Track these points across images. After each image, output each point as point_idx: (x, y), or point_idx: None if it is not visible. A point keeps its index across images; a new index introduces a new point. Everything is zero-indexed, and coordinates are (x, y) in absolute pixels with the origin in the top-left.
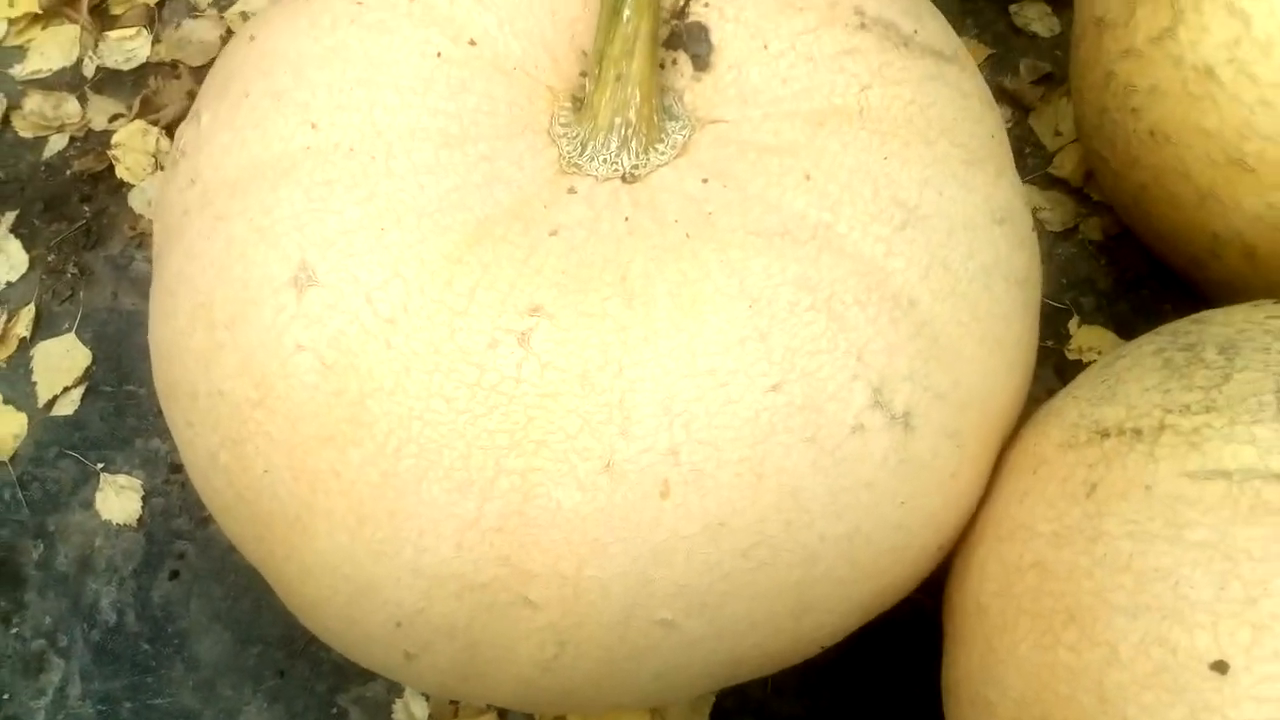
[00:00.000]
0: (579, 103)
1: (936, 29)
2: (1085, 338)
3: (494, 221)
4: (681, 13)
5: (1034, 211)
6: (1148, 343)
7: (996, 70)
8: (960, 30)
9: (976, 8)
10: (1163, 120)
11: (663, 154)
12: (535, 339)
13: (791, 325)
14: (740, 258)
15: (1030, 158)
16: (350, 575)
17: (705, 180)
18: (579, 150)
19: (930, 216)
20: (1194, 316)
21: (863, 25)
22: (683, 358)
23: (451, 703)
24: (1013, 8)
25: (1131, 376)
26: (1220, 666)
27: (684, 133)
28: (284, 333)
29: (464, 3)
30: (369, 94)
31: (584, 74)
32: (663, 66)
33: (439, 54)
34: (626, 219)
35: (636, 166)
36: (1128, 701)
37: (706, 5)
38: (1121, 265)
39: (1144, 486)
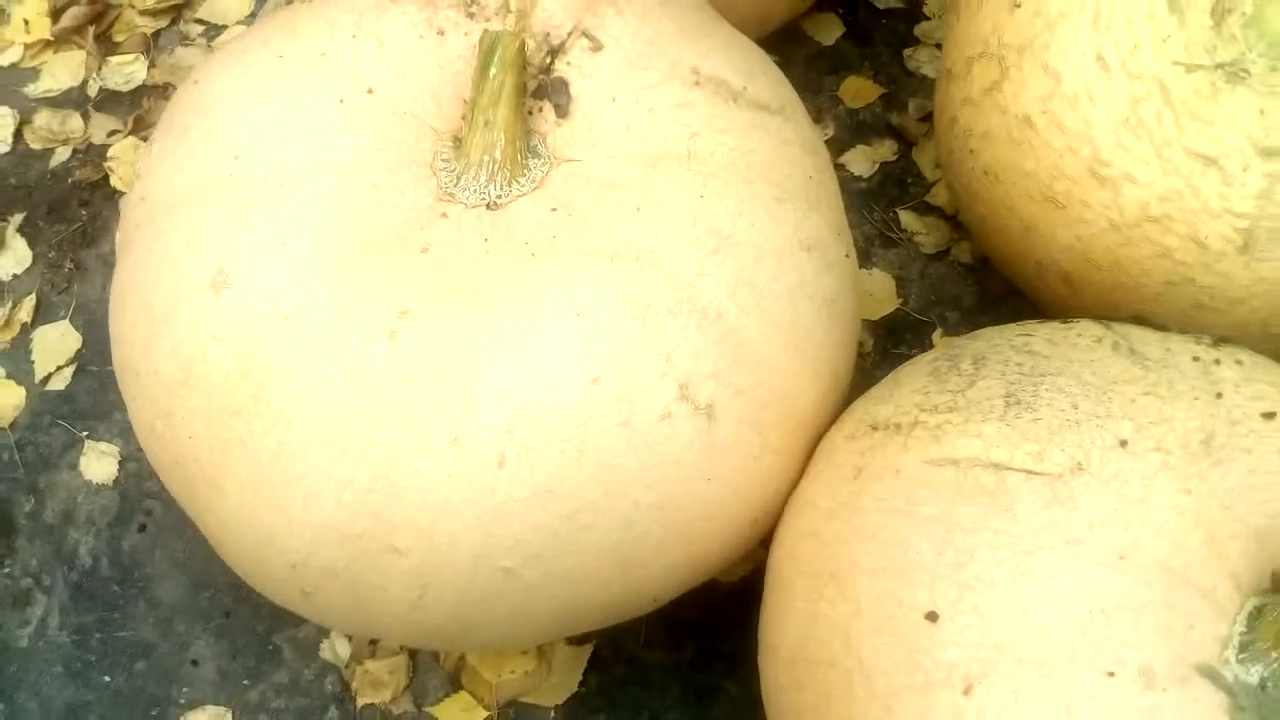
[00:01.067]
0: (459, 142)
1: (766, 85)
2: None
3: (377, 239)
4: (548, 69)
5: (910, 235)
6: (930, 355)
7: (888, 107)
8: (857, 71)
9: (874, 51)
10: (993, 161)
11: (524, 186)
12: (402, 336)
13: (612, 331)
14: (575, 275)
15: (912, 186)
16: (254, 525)
17: (554, 209)
18: (454, 181)
19: (741, 244)
20: (971, 334)
21: (697, 83)
22: (520, 355)
23: (371, 643)
24: (906, 51)
25: (907, 381)
26: (932, 616)
27: (544, 169)
28: (204, 325)
29: (365, 57)
30: (283, 132)
31: (464, 118)
32: (531, 113)
33: (341, 100)
34: (486, 240)
35: (500, 196)
36: (863, 644)
37: (569, 64)
38: (985, 285)
39: (895, 470)
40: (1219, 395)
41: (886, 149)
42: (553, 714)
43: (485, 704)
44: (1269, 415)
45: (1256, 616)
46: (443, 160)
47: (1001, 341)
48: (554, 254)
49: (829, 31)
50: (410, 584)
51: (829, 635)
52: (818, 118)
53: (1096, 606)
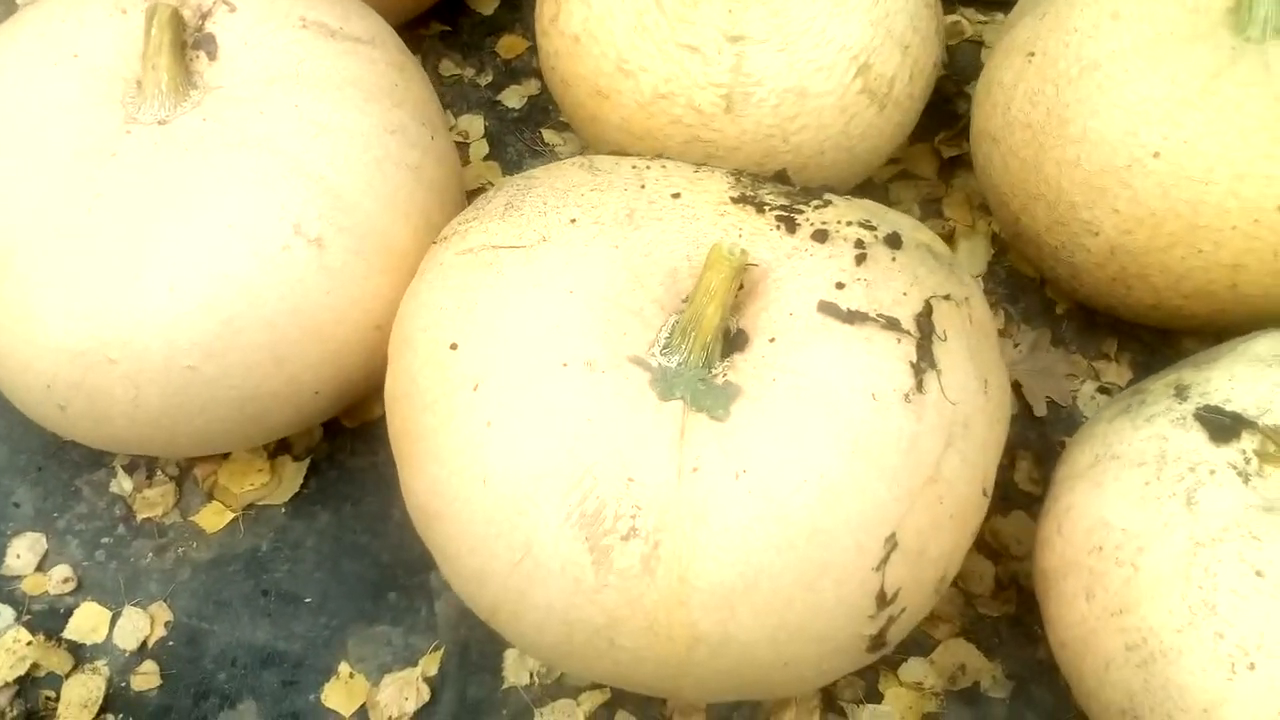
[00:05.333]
0: (140, 84)
1: (359, 23)
2: None
3: (81, 150)
4: (201, 28)
5: (552, 147)
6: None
7: (533, 55)
8: (510, 31)
9: (522, 15)
10: (565, 72)
11: (186, 109)
12: (96, 209)
13: (241, 191)
14: (217, 160)
15: (552, 112)
16: (16, 357)
17: (204, 120)
18: (137, 110)
19: (336, 130)
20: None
21: (304, 25)
22: (181, 213)
23: (147, 477)
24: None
25: (464, 212)
26: (454, 346)
27: (201, 95)
28: None
29: (69, 33)
30: (19, 88)
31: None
32: (192, 60)
33: (55, 63)
34: (155, 144)
35: (169, 116)
36: (419, 375)
37: (214, 23)
38: None
39: (440, 263)
40: (643, 186)
41: (532, 86)
42: (283, 509)
43: (232, 509)
44: (676, 195)
45: (676, 326)
46: (130, 97)
47: (517, 177)
48: (204, 149)
49: (490, 3)
50: (127, 385)
51: (406, 378)
52: (480, 69)
53: (553, 324)
